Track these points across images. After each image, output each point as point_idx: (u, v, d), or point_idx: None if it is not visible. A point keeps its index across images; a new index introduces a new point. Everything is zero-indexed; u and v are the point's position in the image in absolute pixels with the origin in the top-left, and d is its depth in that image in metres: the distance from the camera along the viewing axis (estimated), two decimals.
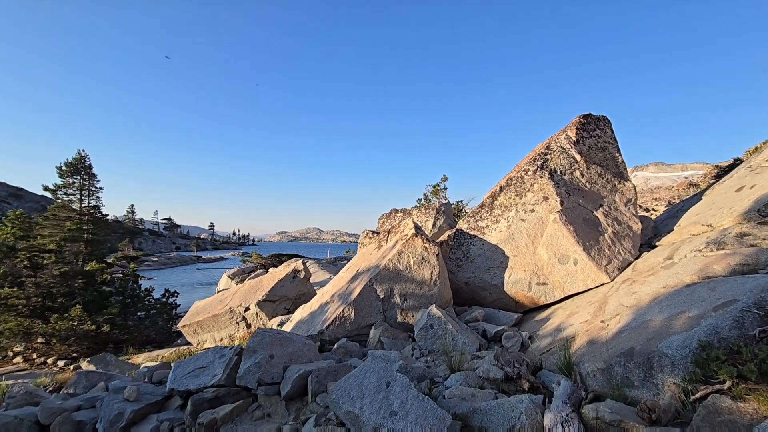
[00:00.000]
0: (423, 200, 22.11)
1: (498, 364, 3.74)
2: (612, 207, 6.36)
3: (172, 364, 4.75)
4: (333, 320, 5.37)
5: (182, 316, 15.36)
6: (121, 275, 14.30)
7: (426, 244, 5.69)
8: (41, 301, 11.29)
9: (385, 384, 2.81)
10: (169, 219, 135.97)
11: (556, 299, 5.72)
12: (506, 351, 4.01)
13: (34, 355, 10.83)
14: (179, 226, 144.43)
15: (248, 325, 8.95)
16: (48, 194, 32.11)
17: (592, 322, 4.32)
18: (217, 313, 8.92)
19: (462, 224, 6.89)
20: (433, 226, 16.41)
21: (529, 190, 6.40)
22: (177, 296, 13.42)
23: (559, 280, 5.67)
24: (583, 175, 6.53)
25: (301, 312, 6.79)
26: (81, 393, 4.82)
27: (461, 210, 22.60)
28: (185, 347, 9.86)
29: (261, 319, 8.84)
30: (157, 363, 5.67)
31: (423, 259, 5.64)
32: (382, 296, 5.53)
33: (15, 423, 3.73)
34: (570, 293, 5.62)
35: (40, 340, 10.91)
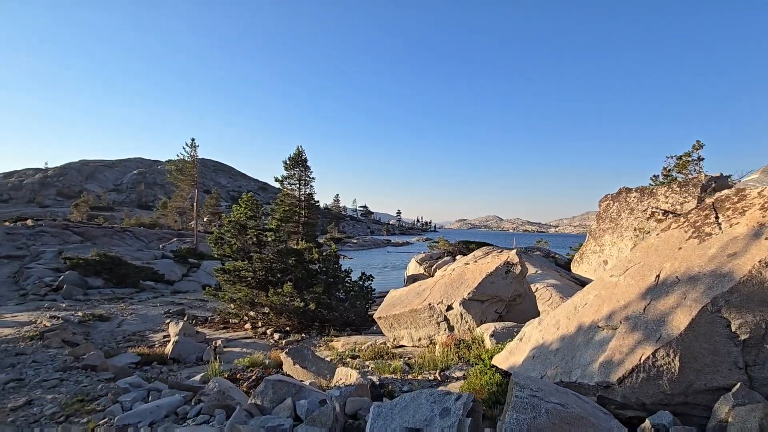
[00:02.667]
0: (660, 177, 16.32)
1: None
2: None
3: (370, 404, 3.26)
4: (633, 369, 2.87)
5: (376, 301, 15.22)
6: (330, 253, 14.90)
7: None
8: (264, 275, 12.47)
9: None
10: (365, 206, 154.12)
11: None
12: None
13: (259, 323, 12.01)
14: (372, 212, 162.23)
15: (450, 328, 7.22)
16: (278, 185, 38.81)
17: None
18: (416, 309, 7.50)
19: None
20: None
21: None
22: (372, 280, 13.06)
23: None
24: None
25: (539, 331, 4.47)
26: (267, 406, 3.81)
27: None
28: (381, 339, 8.95)
29: (466, 322, 6.96)
30: (351, 383, 4.32)
31: None
32: (742, 336, 2.71)
33: None
34: None
35: (263, 310, 12.06)
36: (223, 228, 13.33)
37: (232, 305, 12.31)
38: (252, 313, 12.45)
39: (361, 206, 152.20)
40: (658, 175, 16.20)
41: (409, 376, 5.91)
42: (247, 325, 11.94)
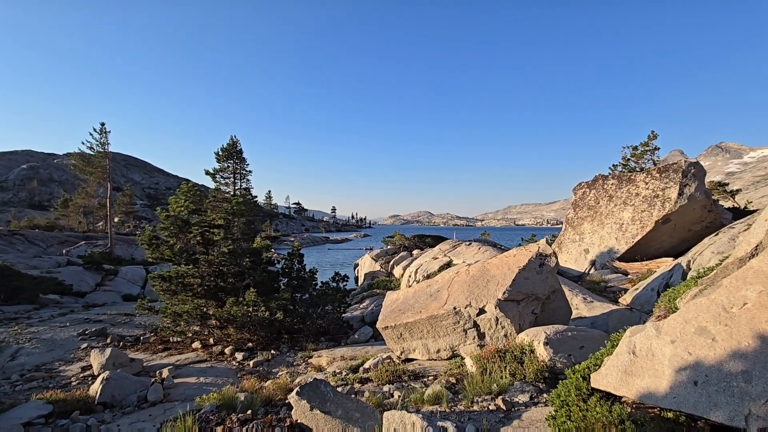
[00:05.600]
0: (620, 167, 16.79)
1: None
2: None
3: None
4: None
5: (351, 304, 13.57)
6: (276, 253, 12.95)
7: None
8: (214, 281, 10.21)
9: None
10: (298, 203, 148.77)
11: None
12: None
13: (211, 340, 9.77)
14: (306, 209, 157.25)
15: (481, 335, 5.97)
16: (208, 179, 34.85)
17: None
18: (436, 315, 6.12)
19: None
20: (680, 195, 11.46)
21: None
22: (347, 281, 11.41)
23: None
24: None
25: (671, 343, 3.32)
26: None
27: None
28: (378, 351, 7.43)
29: (503, 328, 5.76)
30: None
31: None
32: None
33: None
34: None
35: (214, 322, 9.85)
36: (158, 226, 10.75)
37: (173, 321, 9.88)
38: (197, 328, 10.14)
39: (294, 203, 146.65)
40: (617, 165, 16.70)
41: (460, 406, 4.53)
42: (196, 344, 9.62)
